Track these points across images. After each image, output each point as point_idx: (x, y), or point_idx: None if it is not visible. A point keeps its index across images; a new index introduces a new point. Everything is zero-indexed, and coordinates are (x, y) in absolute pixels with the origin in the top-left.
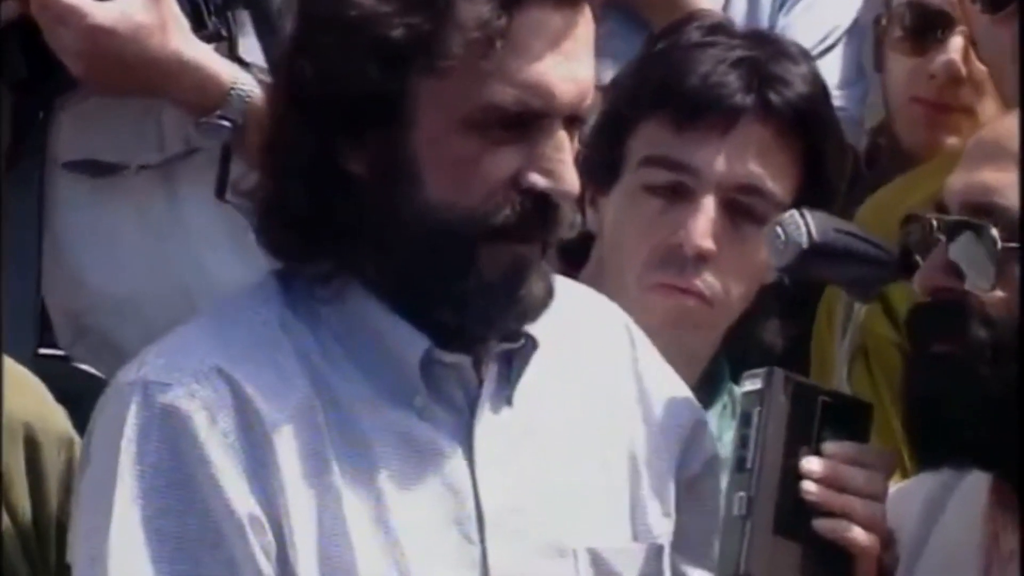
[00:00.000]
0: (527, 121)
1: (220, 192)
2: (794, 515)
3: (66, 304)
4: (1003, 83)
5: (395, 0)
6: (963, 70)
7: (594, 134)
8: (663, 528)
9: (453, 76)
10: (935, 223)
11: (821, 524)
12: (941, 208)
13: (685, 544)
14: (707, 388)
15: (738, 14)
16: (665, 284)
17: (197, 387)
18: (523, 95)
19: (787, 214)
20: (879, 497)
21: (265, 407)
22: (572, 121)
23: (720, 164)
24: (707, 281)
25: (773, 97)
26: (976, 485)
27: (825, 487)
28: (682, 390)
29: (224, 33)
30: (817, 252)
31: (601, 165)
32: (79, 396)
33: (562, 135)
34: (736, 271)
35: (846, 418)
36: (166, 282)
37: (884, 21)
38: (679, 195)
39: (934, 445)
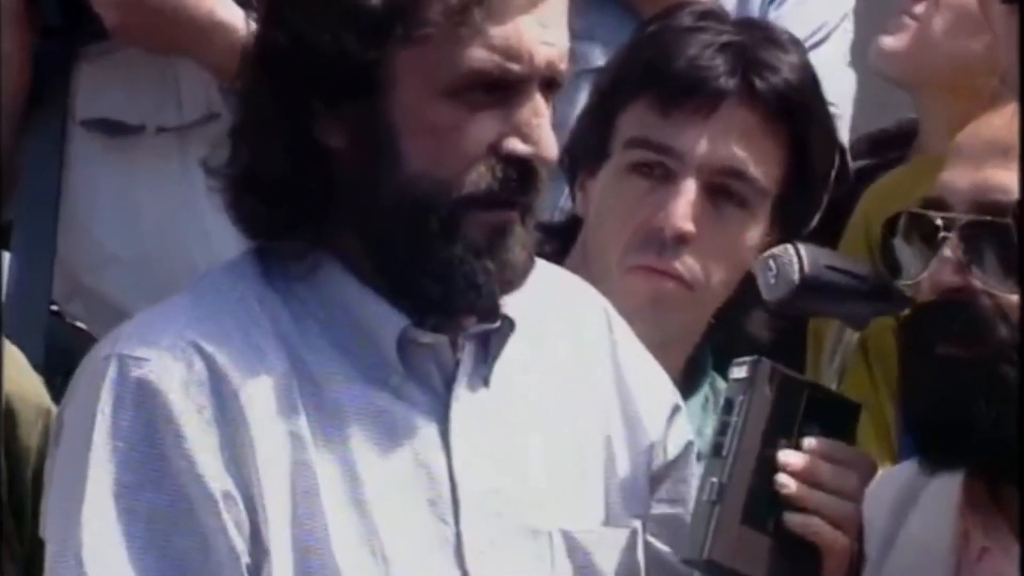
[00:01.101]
0: (505, 86)
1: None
2: (765, 506)
3: (70, 259)
4: (1009, 73)
5: None
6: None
7: (583, 117)
8: (637, 511)
9: (431, 44)
10: (940, 221)
11: (791, 518)
12: (940, 205)
13: (659, 528)
14: (689, 376)
15: (728, 9)
16: (645, 266)
17: (172, 362)
18: (502, 59)
19: (780, 247)
20: (853, 497)
21: (240, 383)
22: (549, 85)
23: (702, 147)
24: (687, 263)
25: (758, 82)
26: (948, 481)
27: (800, 482)
28: (659, 375)
29: (255, 1)
30: (808, 288)
31: (589, 148)
32: (69, 351)
33: (539, 99)
34: (717, 254)
35: (832, 415)
36: (173, 247)
37: None
38: (662, 177)
39: (950, 449)
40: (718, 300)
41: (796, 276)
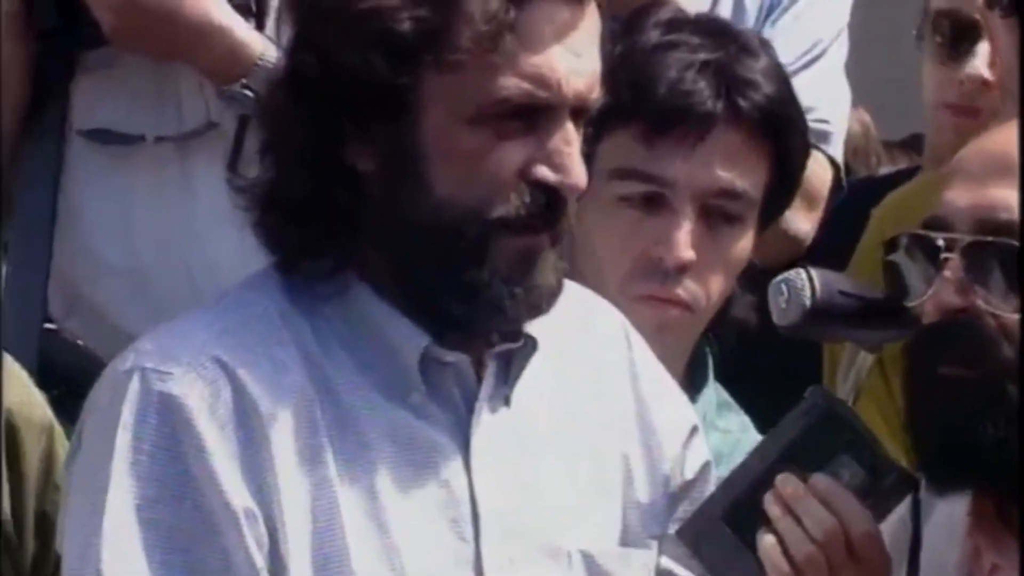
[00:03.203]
0: (535, 113)
1: (232, 166)
2: (748, 513)
3: (68, 270)
4: (1014, 86)
5: None
6: (989, 75)
7: None
8: (655, 532)
9: (461, 70)
10: (942, 242)
11: (763, 537)
12: (940, 225)
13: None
14: (691, 376)
15: None
16: (649, 296)
17: (195, 376)
18: (532, 87)
19: (793, 272)
20: (824, 546)
21: (262, 398)
22: (579, 113)
23: (695, 174)
24: (689, 289)
25: (741, 102)
26: (958, 499)
27: (785, 511)
28: (677, 394)
29: (254, 8)
30: (820, 314)
31: None
32: (66, 367)
33: (570, 127)
34: (715, 272)
35: (878, 476)
36: (170, 258)
37: (921, 32)
38: (655, 204)
39: (956, 469)
40: (716, 308)
41: (808, 302)
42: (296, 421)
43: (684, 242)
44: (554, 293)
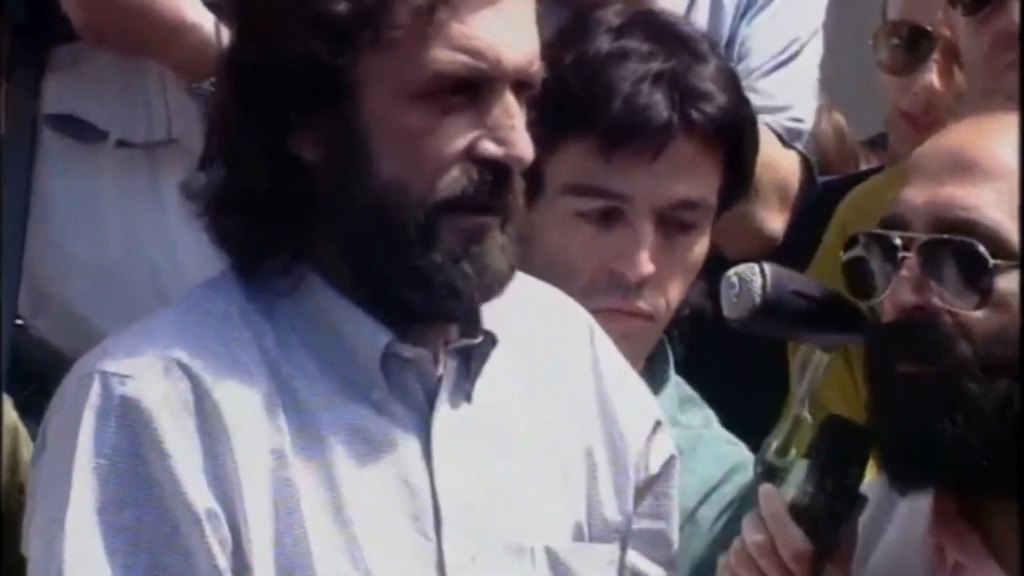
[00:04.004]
0: (475, 87)
1: (203, 166)
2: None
3: (37, 266)
4: (975, 81)
5: None
6: (940, 86)
7: None
8: (619, 527)
9: (399, 47)
10: (899, 240)
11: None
12: (898, 223)
13: (641, 543)
14: (652, 372)
15: (700, 22)
16: (610, 309)
17: (156, 379)
18: (469, 60)
19: (745, 266)
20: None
21: (224, 400)
22: (520, 87)
23: (653, 188)
24: (649, 299)
25: (695, 114)
26: (922, 497)
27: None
28: (641, 390)
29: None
30: (769, 311)
31: None
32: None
33: (511, 100)
34: (674, 280)
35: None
36: (139, 259)
37: (876, 41)
38: (612, 218)
39: (917, 468)
40: (674, 310)
41: (758, 297)
42: (258, 421)
43: (644, 257)
44: (506, 276)
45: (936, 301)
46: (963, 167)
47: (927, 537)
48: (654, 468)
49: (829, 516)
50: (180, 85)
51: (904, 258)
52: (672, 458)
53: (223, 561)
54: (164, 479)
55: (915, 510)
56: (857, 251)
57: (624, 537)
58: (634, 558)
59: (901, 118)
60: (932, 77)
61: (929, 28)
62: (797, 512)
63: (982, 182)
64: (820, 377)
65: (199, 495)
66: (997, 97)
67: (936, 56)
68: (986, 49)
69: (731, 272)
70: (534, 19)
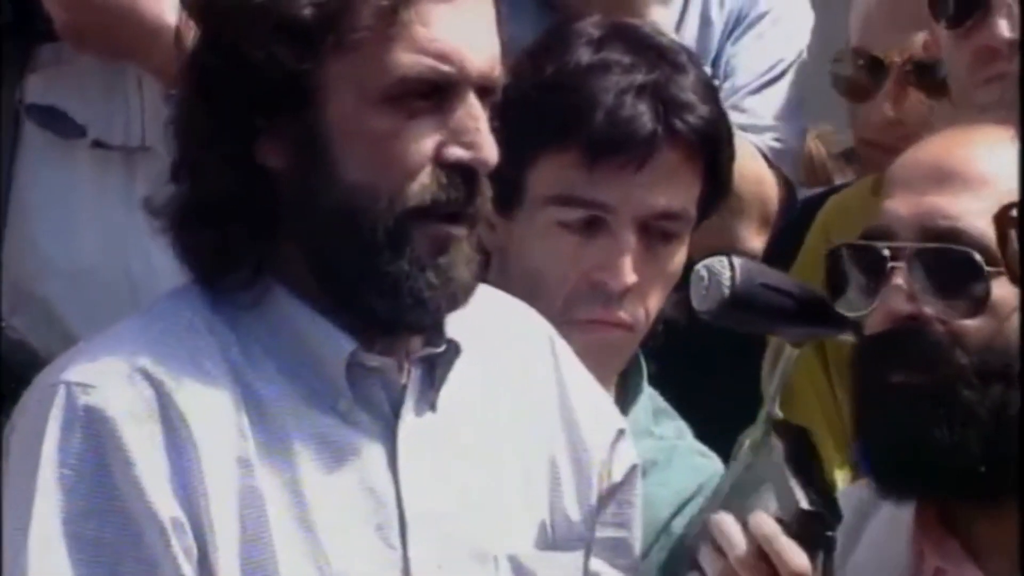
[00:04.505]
0: (440, 90)
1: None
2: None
3: (14, 264)
4: (961, 95)
5: None
6: (892, 114)
7: None
8: (583, 534)
9: (364, 51)
10: (887, 251)
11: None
12: (883, 235)
13: (604, 551)
14: (625, 383)
15: (687, 42)
16: (592, 320)
17: (121, 389)
18: (436, 63)
19: (715, 259)
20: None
21: (189, 409)
22: (484, 92)
23: (636, 198)
24: (630, 310)
25: (678, 124)
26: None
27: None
28: (603, 399)
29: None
30: (738, 304)
31: (498, 189)
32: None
33: (475, 103)
34: (655, 290)
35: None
36: (116, 260)
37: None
38: (595, 228)
39: (913, 476)
40: (652, 321)
41: (727, 290)
42: (223, 429)
43: (627, 267)
44: (470, 286)
45: (928, 310)
46: (944, 177)
47: (907, 543)
48: (617, 476)
49: (823, 526)
50: (157, 91)
51: (893, 268)
52: (635, 466)
53: (189, 571)
54: (128, 488)
55: (894, 516)
56: (841, 263)
57: (588, 545)
58: (597, 566)
59: (864, 145)
60: (886, 107)
61: (881, 57)
62: (787, 529)
63: (963, 191)
64: (790, 371)
65: (164, 504)
66: (972, 111)
67: (888, 85)
68: (968, 61)
69: (700, 265)
70: (495, 23)
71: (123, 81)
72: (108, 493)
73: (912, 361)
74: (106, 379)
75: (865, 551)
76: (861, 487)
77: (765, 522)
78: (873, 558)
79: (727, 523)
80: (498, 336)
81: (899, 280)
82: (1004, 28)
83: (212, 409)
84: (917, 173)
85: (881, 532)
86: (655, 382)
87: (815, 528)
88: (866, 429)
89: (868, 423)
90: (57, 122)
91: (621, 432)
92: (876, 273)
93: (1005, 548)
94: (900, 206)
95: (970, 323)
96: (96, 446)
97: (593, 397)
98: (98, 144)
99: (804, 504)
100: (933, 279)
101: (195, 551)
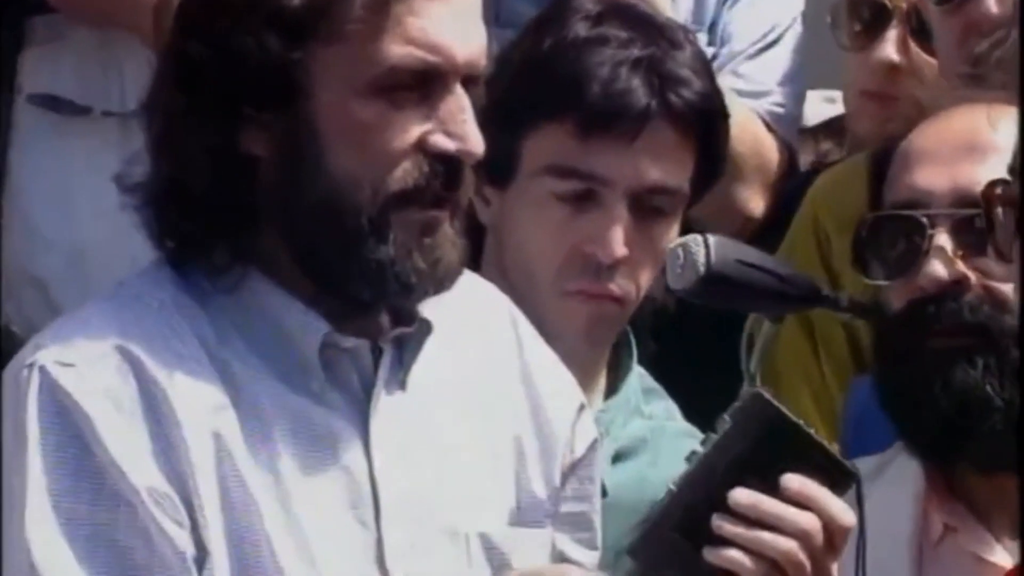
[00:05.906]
0: (427, 81)
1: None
2: (702, 524)
3: (9, 245)
4: (947, 70)
5: None
6: (898, 60)
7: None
8: (549, 511)
9: (352, 41)
10: (926, 219)
11: (709, 552)
12: (916, 205)
13: (566, 525)
14: (615, 363)
15: (684, 8)
16: (581, 291)
17: (98, 367)
18: (425, 54)
19: (690, 237)
20: (800, 536)
21: (167, 384)
22: (469, 81)
23: (629, 171)
24: (620, 284)
25: (674, 99)
26: (903, 469)
27: (739, 520)
28: (564, 373)
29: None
30: (714, 281)
31: (492, 162)
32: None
33: (461, 93)
34: (645, 265)
35: (825, 473)
36: (110, 238)
37: (835, 17)
38: (587, 200)
39: (959, 437)
40: (642, 297)
41: (702, 268)
42: (201, 404)
43: (618, 239)
44: (456, 270)
45: (971, 275)
46: (975, 147)
47: (913, 508)
48: (579, 451)
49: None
50: (147, 58)
51: (932, 235)
52: (595, 441)
53: (183, 540)
54: (113, 466)
55: (896, 484)
56: (874, 233)
57: (551, 519)
58: (560, 541)
59: (861, 96)
60: (890, 51)
61: (887, 2)
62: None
63: (995, 160)
64: (768, 347)
65: (150, 478)
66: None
67: (893, 30)
68: (958, 35)
69: (675, 243)
70: (481, 13)
71: (117, 50)
72: (94, 471)
73: (962, 325)
74: (82, 358)
75: (870, 520)
76: (860, 462)
77: (805, 483)
78: (878, 527)
79: (768, 503)
80: (460, 312)
81: (942, 243)
82: (992, 5)
83: (189, 384)
84: (946, 146)
85: (882, 499)
86: (646, 362)
87: (847, 483)
88: (901, 395)
89: (910, 388)
90: (60, 107)
91: (582, 407)
92: (914, 242)
93: (1005, 510)
94: (932, 177)
95: (1010, 286)
96: (75, 424)
97: (555, 372)
98: (107, 113)
99: (840, 459)
100: (972, 244)
101: (187, 521)
